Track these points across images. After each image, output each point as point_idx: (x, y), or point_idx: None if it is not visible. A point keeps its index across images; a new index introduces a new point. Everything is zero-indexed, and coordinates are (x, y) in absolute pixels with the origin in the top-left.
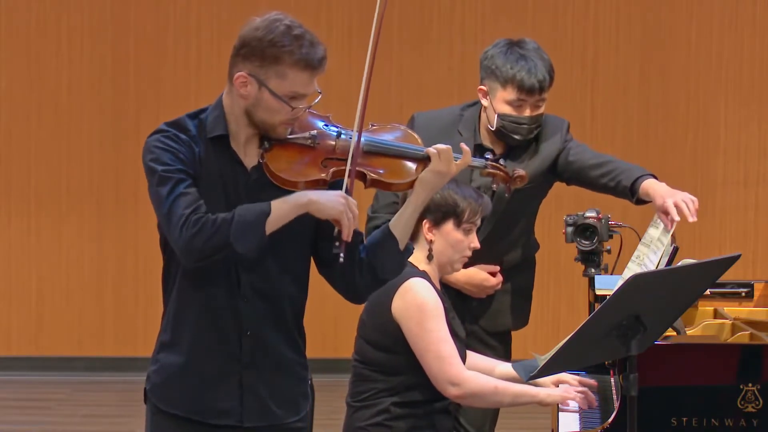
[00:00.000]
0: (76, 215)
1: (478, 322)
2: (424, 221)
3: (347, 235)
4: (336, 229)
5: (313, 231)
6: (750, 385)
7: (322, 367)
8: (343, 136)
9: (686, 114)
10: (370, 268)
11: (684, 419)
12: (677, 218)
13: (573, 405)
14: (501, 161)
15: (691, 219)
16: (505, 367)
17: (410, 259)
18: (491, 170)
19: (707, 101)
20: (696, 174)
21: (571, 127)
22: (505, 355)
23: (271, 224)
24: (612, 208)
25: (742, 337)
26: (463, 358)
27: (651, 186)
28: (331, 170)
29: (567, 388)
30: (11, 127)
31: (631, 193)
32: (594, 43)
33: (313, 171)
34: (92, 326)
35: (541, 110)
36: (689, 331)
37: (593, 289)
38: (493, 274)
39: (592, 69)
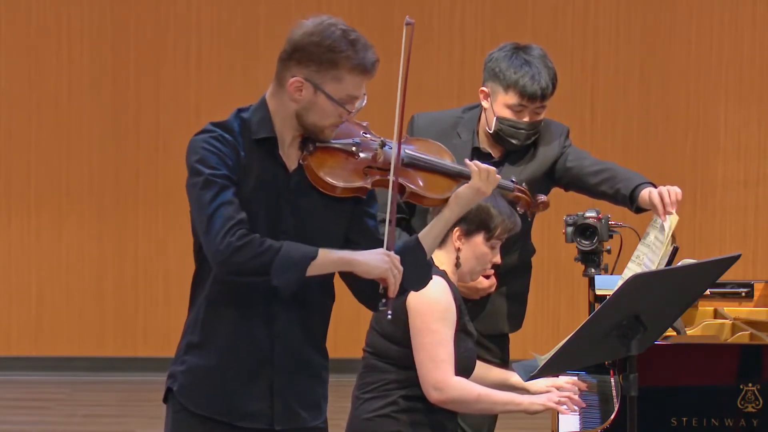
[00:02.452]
0: (76, 215)
1: (475, 325)
2: (456, 229)
3: (393, 293)
4: (381, 287)
5: (343, 238)
6: (750, 385)
7: None
8: (386, 147)
9: (686, 114)
10: None
11: (684, 419)
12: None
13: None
14: (524, 184)
15: (662, 214)
16: (499, 373)
17: (434, 257)
18: (517, 194)
19: (707, 101)
20: (696, 174)
21: (571, 128)
22: (502, 357)
23: (313, 270)
24: (612, 209)
25: (742, 337)
26: (473, 359)
27: (650, 194)
28: (373, 179)
29: (549, 395)
30: (11, 127)
31: (630, 201)
32: (594, 43)
33: (356, 178)
34: (92, 326)
35: (541, 117)
36: (689, 331)
37: (593, 289)
38: (486, 277)
39: (592, 69)
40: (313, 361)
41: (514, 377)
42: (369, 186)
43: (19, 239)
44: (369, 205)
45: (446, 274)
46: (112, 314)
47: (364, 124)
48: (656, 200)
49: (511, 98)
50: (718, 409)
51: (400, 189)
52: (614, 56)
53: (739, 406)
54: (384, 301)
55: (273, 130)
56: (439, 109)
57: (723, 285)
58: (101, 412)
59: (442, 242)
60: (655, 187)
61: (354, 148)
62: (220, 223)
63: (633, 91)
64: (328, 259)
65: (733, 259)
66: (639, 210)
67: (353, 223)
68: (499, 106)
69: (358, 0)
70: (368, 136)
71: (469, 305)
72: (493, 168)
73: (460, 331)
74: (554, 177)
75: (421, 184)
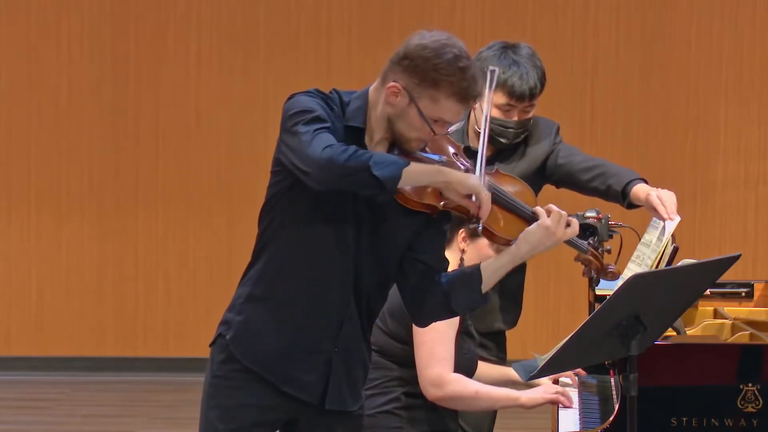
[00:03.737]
0: (76, 215)
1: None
2: (461, 230)
3: (485, 212)
4: (471, 213)
5: (407, 245)
6: (750, 385)
7: None
8: (468, 173)
9: (686, 114)
10: (445, 294)
11: (684, 419)
12: (672, 218)
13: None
14: (601, 250)
15: (666, 217)
16: (500, 369)
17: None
18: (589, 257)
19: (707, 101)
20: (696, 174)
21: (571, 128)
22: (500, 354)
23: (410, 173)
24: (612, 208)
25: (742, 337)
26: (474, 360)
27: (642, 190)
28: (446, 200)
29: (545, 388)
30: (11, 127)
31: (622, 197)
32: (594, 43)
33: (429, 195)
34: (92, 326)
35: (529, 115)
36: (689, 331)
37: (593, 289)
38: None
39: (592, 69)
40: (365, 350)
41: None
42: (440, 207)
43: (19, 239)
44: (441, 223)
45: None
46: (112, 314)
47: (460, 145)
48: (656, 203)
49: (500, 98)
50: (718, 409)
51: (477, 219)
52: (614, 56)
53: (739, 406)
54: (475, 219)
55: (365, 122)
56: None
57: (723, 285)
58: (101, 412)
59: (448, 243)
60: (646, 182)
61: (438, 165)
62: (324, 141)
63: (633, 90)
64: (423, 166)
65: (733, 259)
66: (631, 206)
67: (422, 234)
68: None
69: (358, 0)
70: (457, 158)
71: None
72: (566, 215)
73: (463, 333)
74: (545, 174)
75: (493, 219)
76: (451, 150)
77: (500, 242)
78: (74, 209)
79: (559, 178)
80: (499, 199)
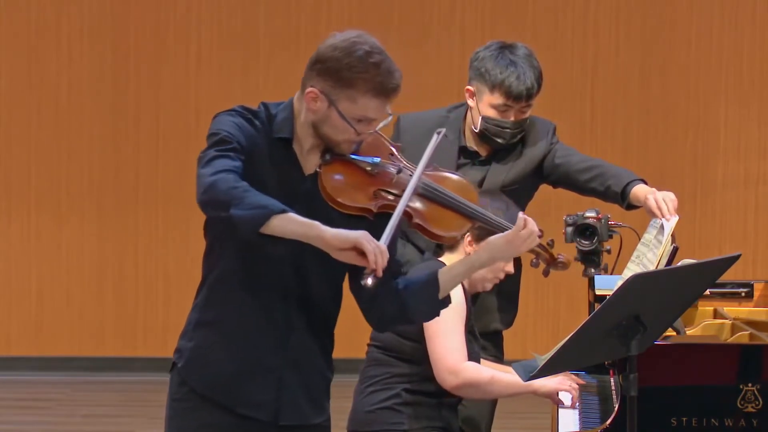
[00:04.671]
0: (76, 215)
1: None
2: (467, 234)
3: (371, 263)
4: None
5: None
6: (750, 385)
7: None
8: (402, 173)
9: (686, 114)
10: (402, 303)
11: (684, 419)
12: (668, 218)
13: (567, 401)
14: (550, 241)
15: (668, 217)
16: (502, 368)
17: (445, 260)
18: (536, 248)
19: (707, 101)
20: (696, 174)
21: (571, 128)
22: (497, 354)
23: (278, 222)
24: (612, 208)
25: (742, 337)
26: (477, 361)
27: (641, 191)
28: (380, 203)
29: (562, 379)
30: (11, 127)
31: (621, 198)
32: (594, 43)
33: (362, 198)
34: (92, 326)
35: (526, 116)
36: (689, 331)
37: (593, 289)
38: None
39: (592, 69)
40: (320, 360)
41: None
42: (374, 209)
43: (19, 239)
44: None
45: None
46: (112, 314)
47: (397, 144)
48: (653, 207)
49: (497, 98)
50: (717, 409)
51: (408, 216)
52: (614, 56)
53: (739, 406)
54: (366, 275)
55: (292, 132)
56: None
57: (723, 285)
58: (101, 412)
59: (454, 246)
60: (645, 183)
61: (370, 168)
62: (218, 166)
63: (633, 91)
64: (296, 219)
65: (732, 259)
66: (630, 207)
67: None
68: (484, 105)
69: (358, 0)
70: (392, 158)
71: None
72: (537, 232)
73: (468, 332)
74: (542, 174)
75: (430, 217)
76: (387, 152)
77: (442, 240)
78: (74, 209)
79: (556, 179)
80: (435, 197)
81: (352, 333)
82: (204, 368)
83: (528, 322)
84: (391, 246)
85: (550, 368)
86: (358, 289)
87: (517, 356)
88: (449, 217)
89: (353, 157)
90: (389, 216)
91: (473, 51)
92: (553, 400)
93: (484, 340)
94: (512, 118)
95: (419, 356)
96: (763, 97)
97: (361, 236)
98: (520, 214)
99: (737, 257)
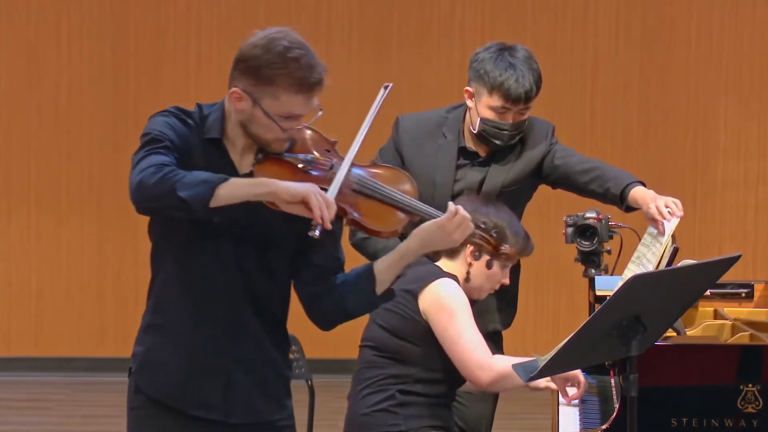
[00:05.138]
0: (75, 216)
1: None
2: (470, 244)
3: (317, 216)
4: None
5: (293, 251)
6: (750, 385)
7: (322, 368)
8: (335, 168)
9: (686, 114)
10: (340, 298)
11: (684, 420)
12: (668, 218)
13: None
14: (494, 233)
15: (669, 218)
16: None
17: (442, 265)
18: (478, 240)
19: (707, 101)
20: (696, 174)
21: (571, 128)
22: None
23: (226, 190)
24: (612, 209)
25: (742, 337)
26: None
27: (639, 194)
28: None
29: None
30: (11, 127)
31: (620, 200)
32: (594, 43)
33: None
34: (92, 327)
35: (525, 117)
36: (689, 332)
37: (593, 290)
38: None
39: (591, 69)
40: (274, 357)
41: None
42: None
43: (19, 239)
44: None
45: (457, 278)
46: (112, 315)
47: (333, 140)
48: (655, 215)
49: (495, 100)
50: (718, 409)
51: (343, 212)
52: (614, 56)
53: (739, 406)
54: (313, 226)
55: (221, 132)
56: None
57: (723, 285)
58: (101, 413)
59: (455, 253)
60: (644, 185)
61: (302, 165)
62: (148, 162)
63: (633, 91)
64: (243, 181)
65: (733, 260)
66: (629, 209)
67: (304, 239)
68: (483, 107)
69: (358, 0)
70: (328, 154)
71: None
72: (469, 217)
73: None
74: (542, 175)
75: (365, 213)
76: (323, 147)
77: (380, 236)
78: (74, 209)
79: (555, 179)
80: (369, 192)
81: (350, 334)
82: (154, 372)
83: (528, 322)
84: (334, 241)
85: (551, 368)
86: (298, 284)
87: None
88: (385, 212)
89: (286, 155)
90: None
91: (473, 51)
92: (561, 391)
93: None
94: (510, 120)
95: (414, 357)
96: (763, 97)
97: (310, 188)
98: (451, 204)
99: (737, 258)
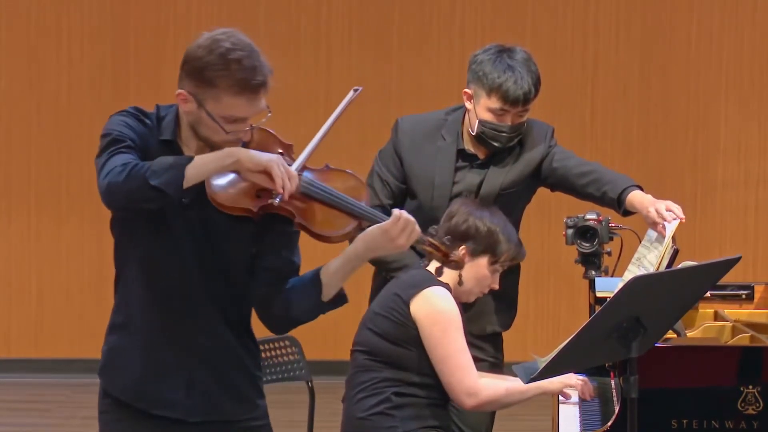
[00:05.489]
0: (76, 216)
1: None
2: (463, 247)
3: (278, 186)
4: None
5: (250, 252)
6: (750, 387)
7: (322, 369)
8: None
9: (686, 114)
10: (287, 304)
11: (684, 421)
12: (668, 219)
13: (573, 398)
14: (446, 239)
15: (670, 219)
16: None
17: (433, 271)
18: (427, 247)
19: (707, 101)
20: (696, 174)
21: (571, 128)
22: (497, 355)
23: (195, 169)
24: (612, 211)
25: (743, 339)
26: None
27: (637, 198)
28: (263, 203)
29: (569, 375)
30: (11, 128)
31: (617, 204)
32: (594, 43)
33: (244, 199)
34: (92, 328)
35: (523, 119)
36: (690, 333)
37: (593, 291)
38: None
39: (592, 69)
40: (239, 355)
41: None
42: (255, 209)
43: (19, 240)
44: (283, 226)
45: (449, 286)
46: None
47: (288, 143)
48: (655, 217)
49: (494, 102)
50: (718, 411)
51: (290, 215)
52: (614, 56)
53: (740, 408)
54: (275, 193)
55: (174, 134)
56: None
57: (723, 287)
58: None
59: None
60: (641, 189)
61: None
62: (113, 164)
63: (633, 91)
64: (209, 156)
65: (733, 261)
66: (627, 213)
67: (264, 239)
68: (481, 109)
69: (358, 0)
70: (284, 157)
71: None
72: (414, 221)
73: None
74: (540, 177)
75: (310, 216)
76: (276, 150)
77: (328, 241)
78: (74, 210)
79: (554, 182)
80: (317, 195)
81: (350, 335)
82: (117, 372)
83: (528, 323)
84: (288, 244)
85: (551, 370)
86: (253, 287)
87: (518, 358)
88: (333, 216)
89: None
90: (274, 216)
91: (472, 51)
92: (562, 394)
93: (482, 342)
94: (509, 122)
95: (408, 362)
96: (763, 97)
97: (273, 159)
98: (395, 210)
99: (738, 259)
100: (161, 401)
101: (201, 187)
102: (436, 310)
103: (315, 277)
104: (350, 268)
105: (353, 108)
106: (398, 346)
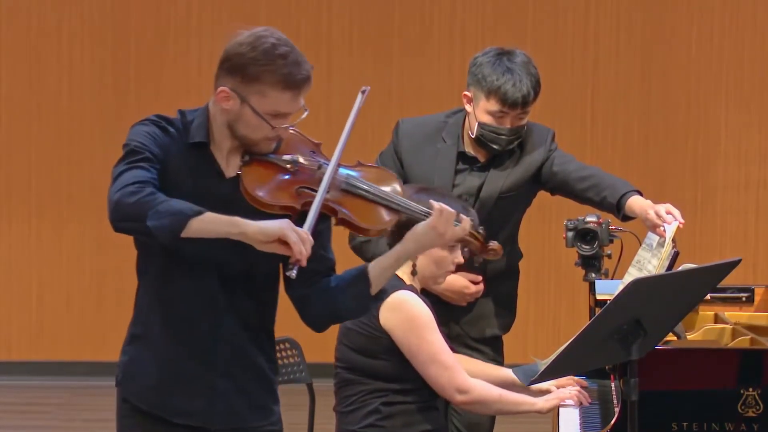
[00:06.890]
0: (76, 219)
1: (462, 327)
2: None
3: (298, 252)
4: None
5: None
6: (750, 389)
7: (323, 372)
8: (323, 169)
9: (686, 117)
10: (331, 302)
11: (684, 424)
12: (668, 221)
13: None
14: (481, 229)
15: (681, 220)
16: (505, 371)
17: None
18: (467, 237)
19: (708, 104)
20: (696, 178)
21: (571, 131)
22: (497, 358)
23: (197, 225)
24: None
25: (743, 341)
26: None
27: (636, 203)
28: (304, 200)
29: (560, 391)
30: (11, 130)
31: (617, 209)
32: (594, 46)
33: (285, 196)
34: (92, 331)
35: (523, 122)
36: (690, 336)
37: (594, 294)
38: (475, 283)
39: (592, 71)
40: (258, 363)
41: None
42: (299, 207)
43: (19, 243)
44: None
45: (414, 288)
46: (112, 319)
47: (317, 142)
48: (654, 219)
49: (493, 105)
50: (718, 413)
51: (332, 212)
52: (614, 59)
53: (740, 410)
54: (291, 265)
55: (207, 136)
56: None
57: (723, 290)
58: (101, 417)
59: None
60: (641, 194)
61: (289, 166)
62: (127, 179)
63: (633, 94)
64: (216, 218)
65: (733, 264)
66: (626, 218)
67: None
68: (480, 111)
69: (358, 0)
70: (313, 155)
71: (456, 307)
72: (453, 211)
73: None
74: (540, 181)
75: (354, 211)
76: (308, 149)
77: (370, 234)
78: (75, 213)
79: (553, 186)
80: (359, 192)
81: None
82: (138, 381)
83: (528, 326)
84: (323, 242)
85: (551, 373)
86: (289, 288)
87: (518, 360)
88: (374, 210)
89: (272, 156)
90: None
91: (474, 54)
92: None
93: (482, 345)
94: (508, 125)
95: (388, 373)
96: (763, 101)
97: (284, 226)
98: (434, 202)
99: (738, 262)
100: (183, 411)
101: (225, 192)
102: (405, 318)
103: (362, 275)
104: (398, 267)
105: (351, 107)
106: (375, 359)
